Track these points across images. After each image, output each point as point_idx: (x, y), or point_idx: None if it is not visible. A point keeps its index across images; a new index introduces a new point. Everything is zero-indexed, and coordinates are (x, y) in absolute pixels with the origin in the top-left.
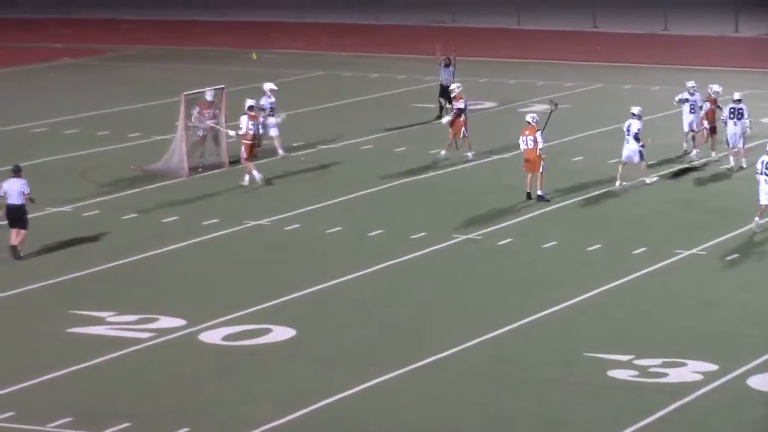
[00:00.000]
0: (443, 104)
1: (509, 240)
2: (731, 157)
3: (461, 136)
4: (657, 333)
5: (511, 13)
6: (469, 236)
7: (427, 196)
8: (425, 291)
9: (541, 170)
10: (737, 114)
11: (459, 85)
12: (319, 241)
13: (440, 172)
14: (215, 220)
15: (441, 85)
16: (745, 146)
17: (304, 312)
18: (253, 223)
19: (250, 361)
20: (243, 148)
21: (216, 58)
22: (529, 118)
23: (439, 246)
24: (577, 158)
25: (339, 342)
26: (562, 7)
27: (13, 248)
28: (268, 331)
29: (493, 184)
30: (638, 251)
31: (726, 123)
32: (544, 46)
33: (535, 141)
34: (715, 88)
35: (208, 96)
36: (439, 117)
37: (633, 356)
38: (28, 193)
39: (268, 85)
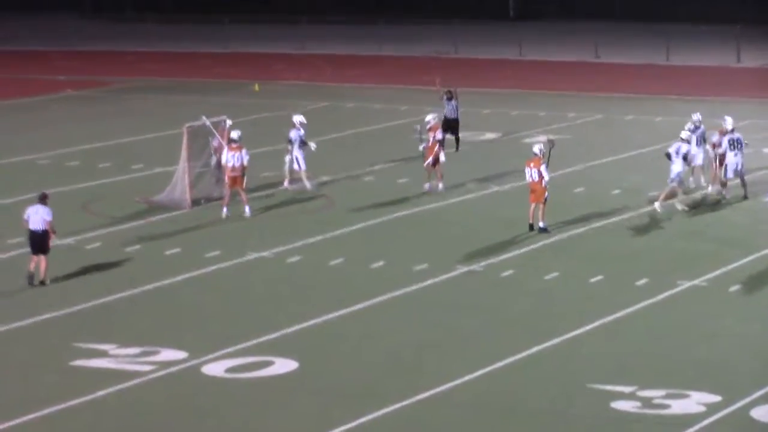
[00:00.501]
0: (450, 137)
1: (512, 271)
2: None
3: (426, 164)
4: (660, 364)
5: (513, 44)
6: (472, 267)
7: (429, 228)
8: (427, 323)
9: (544, 202)
10: (737, 144)
11: (435, 115)
12: (322, 272)
13: (442, 203)
14: (217, 252)
15: (445, 118)
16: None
17: (306, 344)
18: (255, 255)
19: (253, 393)
20: (225, 179)
21: (220, 89)
22: (535, 149)
23: (441, 277)
24: (579, 189)
25: (341, 374)
26: (564, 38)
27: (31, 276)
28: (271, 363)
29: (496, 215)
30: (640, 282)
31: (725, 154)
32: (546, 77)
33: (540, 173)
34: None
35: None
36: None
37: (636, 388)
38: (49, 220)
39: (298, 118)
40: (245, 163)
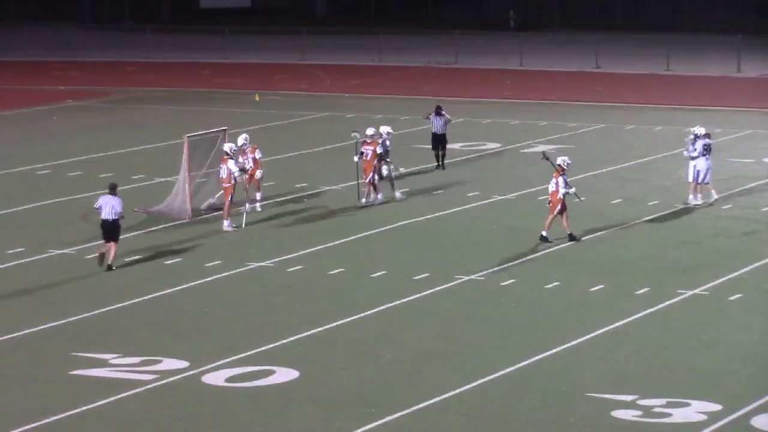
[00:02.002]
0: (439, 153)
1: (512, 281)
2: (699, 194)
3: (367, 181)
4: (660, 373)
5: (513, 54)
6: (472, 277)
7: (429, 237)
8: (427, 332)
9: (555, 212)
10: (709, 149)
11: (374, 129)
12: (322, 282)
13: (443, 213)
14: (218, 262)
15: (434, 134)
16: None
17: (307, 353)
18: (255, 264)
19: (253, 402)
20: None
21: (220, 99)
22: (560, 161)
23: (441, 287)
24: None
25: (341, 384)
26: (564, 48)
27: (102, 256)
28: (271, 372)
29: (497, 224)
30: (641, 291)
31: (699, 158)
32: (547, 87)
33: (557, 184)
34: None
35: (241, 141)
36: (438, 167)
37: (637, 396)
38: (120, 212)
39: (385, 128)
40: (225, 174)
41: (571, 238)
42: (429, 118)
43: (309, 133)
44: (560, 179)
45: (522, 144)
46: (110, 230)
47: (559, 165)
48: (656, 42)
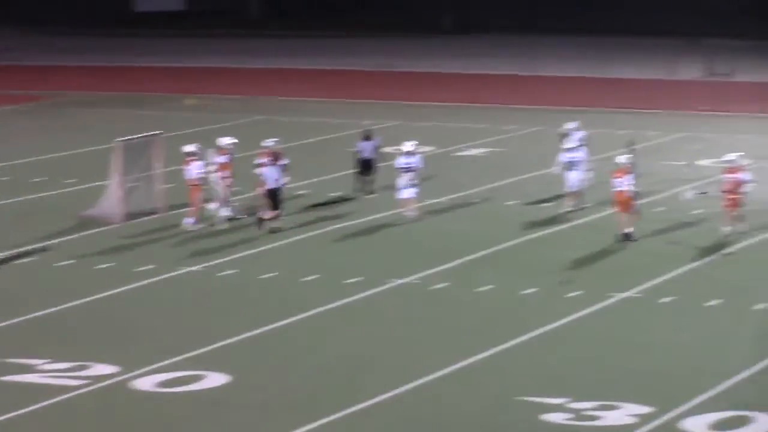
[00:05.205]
0: (364, 178)
1: (445, 284)
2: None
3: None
4: (592, 376)
5: (450, 56)
6: (405, 280)
7: (363, 241)
8: (360, 335)
9: (631, 211)
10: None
11: (276, 140)
12: (254, 286)
13: (377, 216)
14: (150, 266)
15: (361, 160)
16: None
17: (239, 358)
18: (187, 269)
19: (184, 407)
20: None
21: (154, 103)
22: (621, 159)
23: (374, 290)
24: (512, 202)
25: (275, 388)
26: (501, 51)
27: (273, 222)
28: (203, 377)
29: (430, 227)
30: (574, 294)
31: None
32: (486, 90)
33: (624, 183)
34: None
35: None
36: (358, 191)
37: (568, 399)
38: (277, 179)
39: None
40: (193, 174)
41: (626, 237)
42: (358, 149)
43: (244, 137)
44: (629, 177)
45: (456, 147)
46: (273, 197)
47: (621, 164)
48: (597, 45)
